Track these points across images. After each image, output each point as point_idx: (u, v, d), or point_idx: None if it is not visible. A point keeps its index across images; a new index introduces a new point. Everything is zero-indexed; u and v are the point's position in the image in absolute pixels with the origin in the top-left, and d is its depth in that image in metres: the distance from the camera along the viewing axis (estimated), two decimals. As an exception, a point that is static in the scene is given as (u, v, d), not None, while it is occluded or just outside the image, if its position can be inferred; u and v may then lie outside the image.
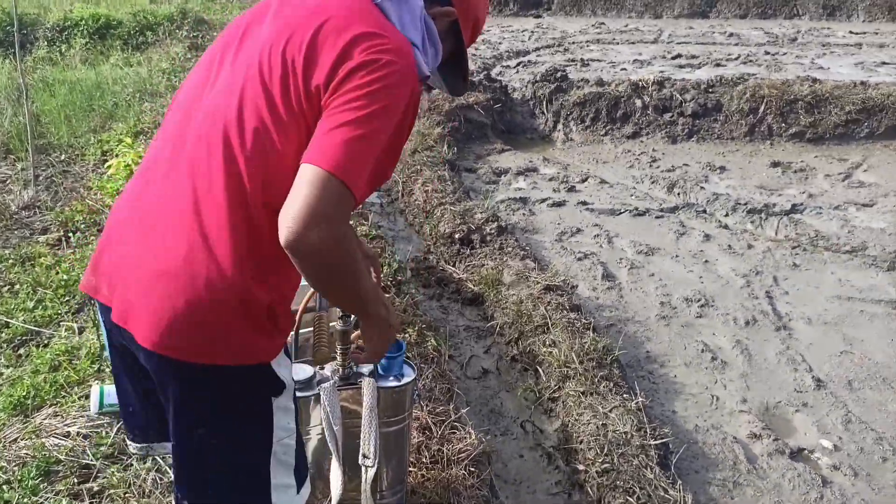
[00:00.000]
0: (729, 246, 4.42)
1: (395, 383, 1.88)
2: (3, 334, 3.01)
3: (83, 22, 8.11)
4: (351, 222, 1.31)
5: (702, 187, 5.28)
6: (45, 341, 2.92)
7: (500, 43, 9.33)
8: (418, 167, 5.13)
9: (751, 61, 8.31)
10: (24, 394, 2.42)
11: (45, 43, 7.66)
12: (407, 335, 2.96)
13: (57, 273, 3.43)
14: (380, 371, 1.91)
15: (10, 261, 3.62)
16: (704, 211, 4.93)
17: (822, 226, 4.70)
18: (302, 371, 1.80)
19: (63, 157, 5.07)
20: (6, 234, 3.99)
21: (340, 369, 1.84)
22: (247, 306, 1.22)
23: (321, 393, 1.69)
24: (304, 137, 1.18)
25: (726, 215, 4.85)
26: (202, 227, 1.19)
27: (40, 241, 3.88)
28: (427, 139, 5.59)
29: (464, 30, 1.43)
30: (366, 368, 1.88)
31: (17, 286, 3.40)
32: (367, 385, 1.77)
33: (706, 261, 4.24)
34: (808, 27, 10.60)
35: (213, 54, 1.34)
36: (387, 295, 3.30)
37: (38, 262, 3.57)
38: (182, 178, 1.22)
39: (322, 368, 1.87)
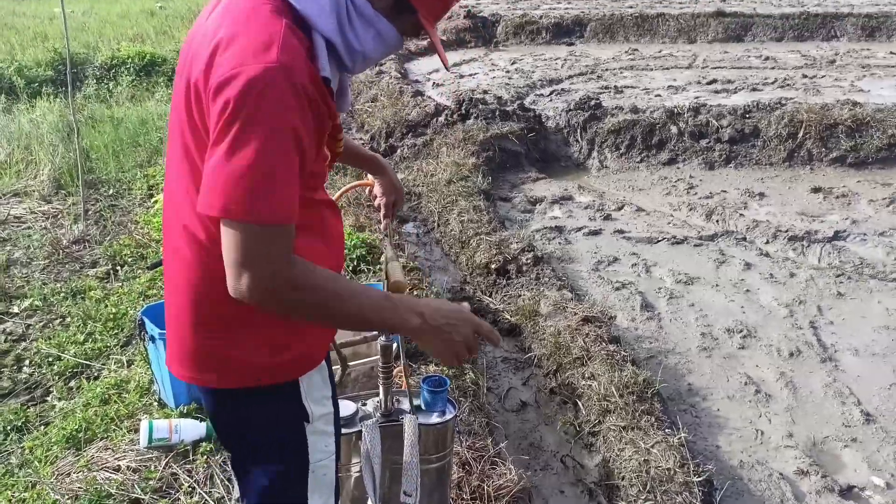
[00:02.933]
0: (770, 274, 4.35)
1: (437, 420, 1.89)
2: (56, 367, 3.12)
3: (130, 60, 8.43)
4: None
5: (741, 214, 5.21)
6: (96, 374, 3.01)
7: (532, 72, 9.40)
8: (454, 197, 5.18)
9: (788, 85, 8.22)
10: (76, 427, 2.49)
11: (94, 81, 7.97)
12: (445, 368, 2.98)
13: (106, 306, 3.55)
14: (422, 407, 1.92)
15: (62, 294, 3.75)
16: (744, 238, 4.86)
17: (867, 253, 4.60)
18: (344, 407, 1.83)
19: (111, 192, 5.25)
20: (58, 267, 4.14)
21: (382, 405, 1.86)
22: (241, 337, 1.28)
23: (363, 430, 1.71)
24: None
25: (767, 243, 4.77)
26: (187, 274, 1.27)
27: (90, 274, 4.02)
28: (462, 169, 5.65)
29: (419, 2, 1.23)
30: (406, 404, 1.90)
31: (69, 319, 3.52)
32: (408, 422, 1.79)
33: (747, 290, 4.17)
34: (846, 49, 10.45)
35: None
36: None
37: (88, 296, 3.69)
38: (169, 237, 1.32)
39: (364, 405, 1.90)
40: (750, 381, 3.32)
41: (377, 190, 1.84)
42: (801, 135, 6.25)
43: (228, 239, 1.07)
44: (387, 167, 1.83)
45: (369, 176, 1.86)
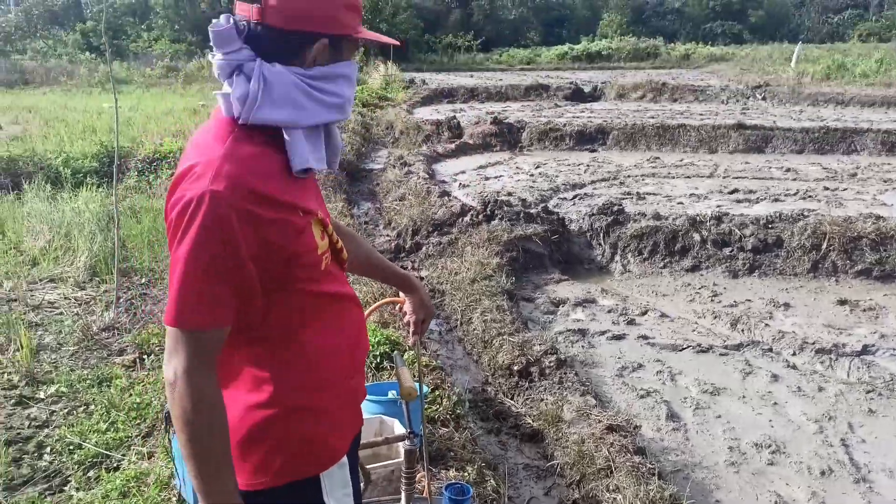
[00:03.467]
0: (798, 388, 4.26)
1: (458, 530, 1.86)
2: (76, 456, 3.12)
3: (171, 154, 8.83)
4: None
5: (766, 324, 5.17)
6: (116, 464, 3.00)
7: (556, 176, 9.66)
8: (477, 296, 5.23)
9: (810, 197, 8.33)
10: (93, 520, 2.46)
11: (136, 173, 8.33)
12: (466, 474, 2.92)
13: (130, 395, 3.58)
14: (444, 516, 1.90)
15: (88, 381, 3.79)
16: (770, 349, 4.80)
17: (898, 369, 4.51)
18: (367, 513, 1.81)
19: (143, 281, 5.38)
20: (86, 353, 4.20)
21: (405, 513, 1.84)
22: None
23: (386, 538, 1.69)
24: None
25: (794, 354, 4.71)
26: None
27: (117, 361, 4.07)
28: (486, 269, 5.72)
29: (341, 28, 1.34)
30: (430, 513, 1.88)
31: (93, 407, 3.54)
32: (431, 532, 1.76)
33: (775, 403, 4.09)
34: (867, 162, 10.62)
35: None
36: (444, 429, 3.29)
37: (114, 384, 3.72)
38: None
39: (386, 511, 1.88)
40: (780, 500, 3.20)
41: (407, 307, 1.90)
42: (825, 246, 6.28)
43: (167, 332, 1.25)
44: (418, 286, 1.90)
45: (401, 294, 1.93)
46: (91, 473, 3.03)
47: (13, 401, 3.64)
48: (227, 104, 1.28)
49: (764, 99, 17.56)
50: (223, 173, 1.21)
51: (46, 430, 3.40)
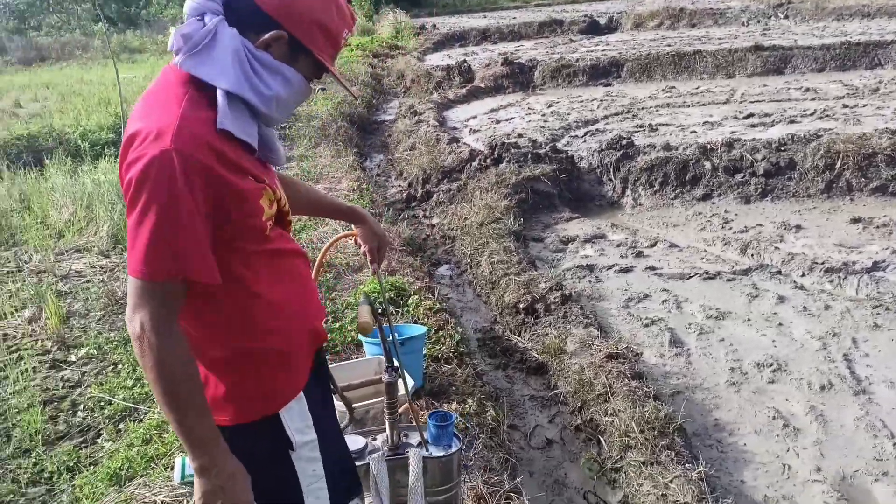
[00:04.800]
0: (804, 307, 4.30)
1: (441, 453, 1.99)
2: (107, 411, 3.34)
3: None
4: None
5: (776, 248, 5.17)
6: (141, 417, 3.21)
7: (568, 113, 9.56)
8: (485, 240, 5.31)
9: (827, 116, 8.13)
10: (119, 466, 2.68)
11: (152, 141, 8.49)
12: (467, 406, 3.07)
13: (153, 353, 3.78)
14: (430, 441, 2.03)
15: (115, 343, 4.01)
16: (779, 272, 4.82)
17: (908, 283, 4.50)
18: (354, 442, 1.95)
19: (163, 245, 5.57)
20: (112, 317, 4.42)
21: (389, 440, 1.97)
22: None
23: (370, 463, 1.83)
24: None
25: (802, 276, 4.72)
26: None
27: (141, 323, 4.28)
28: (494, 212, 5.79)
29: (308, 40, 1.38)
30: (414, 439, 2.01)
31: (120, 366, 3.76)
32: (413, 455, 1.90)
33: (780, 324, 4.14)
34: (891, 76, 10.26)
35: None
36: (447, 366, 3.43)
37: (138, 343, 3.93)
38: None
39: (374, 439, 2.02)
40: (779, 415, 3.29)
41: (360, 239, 1.96)
42: (839, 165, 6.18)
43: (129, 285, 1.29)
44: (366, 216, 1.95)
45: (353, 227, 1.98)
46: (121, 426, 3.25)
47: (47, 365, 3.88)
48: (175, 38, 1.33)
49: (786, 17, 16.93)
50: (184, 132, 1.25)
51: (79, 390, 3.63)
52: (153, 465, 2.68)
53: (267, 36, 1.34)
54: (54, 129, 8.97)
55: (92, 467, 2.88)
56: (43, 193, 6.68)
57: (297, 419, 1.48)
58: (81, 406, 3.47)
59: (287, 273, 1.49)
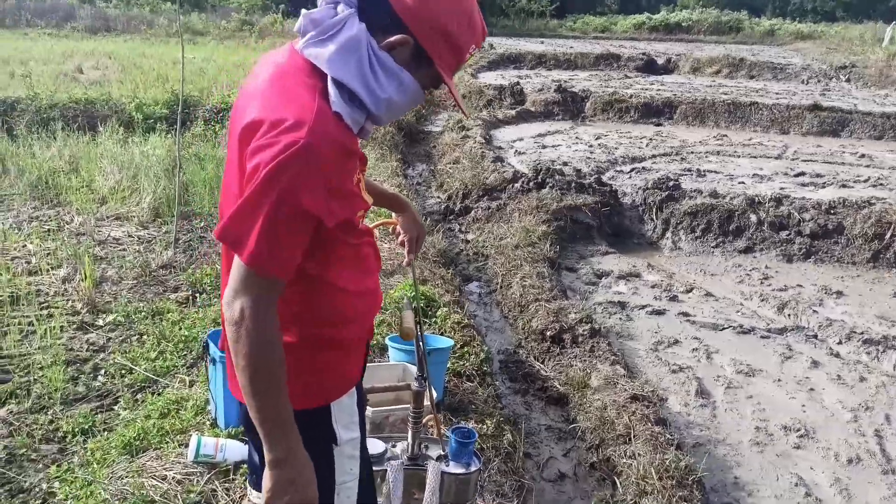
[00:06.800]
0: (838, 376, 4.18)
1: (461, 470, 1.96)
2: (127, 379, 3.36)
3: (236, 106, 9.09)
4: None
5: (815, 311, 5.05)
6: (161, 390, 3.22)
7: (616, 148, 9.50)
8: (519, 262, 5.27)
9: (881, 185, 7.96)
10: (134, 435, 2.68)
11: (203, 122, 8.63)
12: (485, 426, 3.02)
13: (180, 328, 3.80)
14: (449, 456, 1.99)
15: (143, 313, 4.04)
16: (815, 336, 4.70)
17: (950, 366, 4.34)
18: (374, 446, 1.92)
19: (202, 224, 5.63)
20: (143, 288, 4.47)
21: (409, 449, 1.94)
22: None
23: (388, 469, 1.80)
24: None
25: (839, 343, 4.59)
26: None
27: (171, 297, 4.31)
28: (531, 235, 5.75)
29: (432, 50, 1.33)
30: (434, 452, 1.98)
31: (145, 337, 3.79)
32: (432, 468, 1.86)
33: (811, 389, 4.02)
34: (951, 153, 10.03)
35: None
36: (469, 384, 3.39)
37: (166, 317, 3.96)
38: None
39: (394, 446, 1.99)
40: (801, 482, 3.19)
41: (400, 227, 1.93)
42: (888, 236, 6.03)
43: (235, 270, 1.27)
44: (408, 204, 1.93)
45: (393, 215, 1.96)
46: (139, 396, 3.26)
47: (75, 326, 3.92)
48: (304, 21, 1.32)
49: (848, 81, 16.68)
50: (321, 126, 1.22)
51: (102, 355, 3.66)
52: (168, 439, 2.68)
53: (393, 39, 1.31)
54: (111, 97, 9.16)
55: (106, 433, 2.89)
56: (92, 159, 6.81)
57: (345, 414, 1.47)
58: (103, 371, 3.49)
59: (364, 261, 1.49)
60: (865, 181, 8.13)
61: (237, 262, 1.26)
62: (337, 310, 1.43)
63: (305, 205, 1.22)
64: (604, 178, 7.33)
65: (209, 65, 13.07)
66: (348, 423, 1.50)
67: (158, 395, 3.15)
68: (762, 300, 5.25)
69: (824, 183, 7.95)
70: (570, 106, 12.01)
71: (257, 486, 1.66)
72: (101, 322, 3.99)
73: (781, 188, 7.52)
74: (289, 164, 1.19)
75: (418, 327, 1.85)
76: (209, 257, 4.94)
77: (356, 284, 1.46)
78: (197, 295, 4.35)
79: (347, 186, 1.32)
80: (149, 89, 9.96)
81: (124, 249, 5.07)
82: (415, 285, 2.13)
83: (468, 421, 3.02)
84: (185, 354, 3.56)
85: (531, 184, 6.72)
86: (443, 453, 1.97)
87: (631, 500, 2.91)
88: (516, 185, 6.78)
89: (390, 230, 1.93)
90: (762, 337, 4.66)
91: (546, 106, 11.91)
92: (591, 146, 9.62)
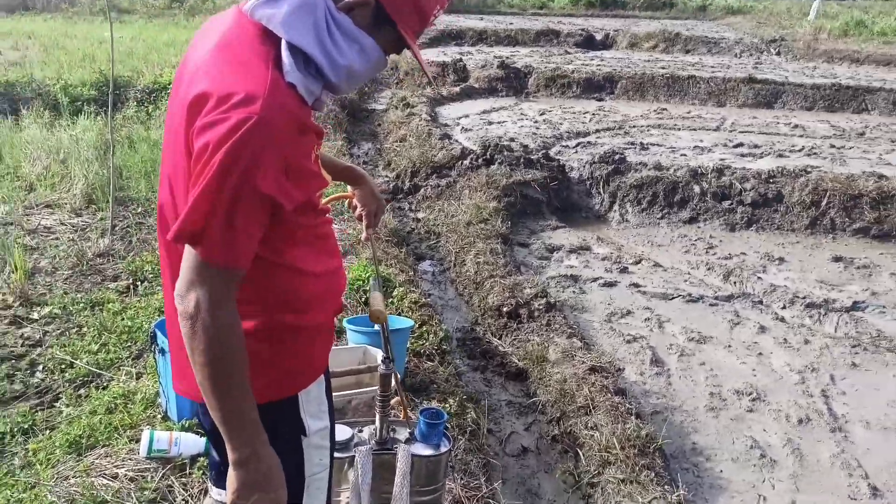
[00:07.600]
0: (785, 339, 4.30)
1: (430, 452, 1.91)
2: (67, 374, 3.18)
3: (170, 86, 8.71)
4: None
5: (759, 277, 5.19)
6: (105, 384, 3.06)
7: (560, 123, 9.53)
8: (472, 239, 5.23)
9: (815, 154, 8.23)
10: (80, 433, 2.53)
11: (135, 103, 8.24)
12: (447, 405, 2.98)
13: (122, 319, 3.62)
14: (418, 438, 1.94)
15: (81, 304, 3.83)
16: (761, 302, 4.83)
17: (886, 325, 4.54)
18: (341, 432, 1.85)
19: (139, 210, 5.38)
20: (80, 278, 4.24)
21: (378, 433, 1.88)
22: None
23: (356, 455, 1.73)
24: None
25: (783, 308, 4.74)
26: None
27: (111, 287, 4.11)
28: (482, 212, 5.71)
29: (394, 11, 1.25)
30: (403, 435, 1.92)
31: (85, 329, 3.59)
32: (402, 452, 1.81)
33: (760, 353, 4.13)
34: (876, 122, 10.45)
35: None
36: (429, 363, 3.35)
37: (107, 308, 3.77)
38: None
39: (361, 431, 1.92)
40: (756, 444, 3.27)
41: (357, 200, 1.84)
42: (824, 203, 6.24)
43: (187, 260, 1.18)
44: (365, 176, 1.82)
45: (349, 188, 1.86)
46: (82, 391, 3.09)
47: (7, 320, 3.69)
48: None
49: (778, 54, 17.17)
50: (275, 99, 1.12)
51: (39, 350, 3.46)
52: (117, 435, 2.54)
53: (353, 0, 1.22)
54: (34, 79, 8.64)
55: (49, 432, 2.73)
56: (16, 144, 6.42)
57: (313, 404, 1.39)
58: (41, 367, 3.30)
59: (325, 241, 1.39)
60: (800, 150, 8.39)
61: (190, 251, 1.16)
62: (299, 294, 1.35)
63: (264, 189, 1.13)
64: (551, 154, 7.35)
65: (138, 44, 12.49)
66: (317, 412, 1.42)
67: (103, 389, 2.99)
68: (708, 269, 5.36)
69: (762, 153, 8.17)
70: (513, 82, 11.98)
71: (219, 483, 1.57)
72: (35, 315, 3.76)
73: (721, 159, 7.68)
74: (243, 144, 1.09)
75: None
76: (149, 244, 4.73)
77: (318, 266, 1.37)
78: (138, 283, 4.16)
79: (306, 165, 1.22)
80: (74, 70, 9.44)
81: (57, 238, 4.80)
82: (374, 261, 2.05)
83: (430, 401, 2.98)
84: (130, 346, 3.39)
85: (480, 160, 6.67)
86: (410, 436, 1.92)
87: (594, 470, 2.93)
88: (465, 161, 6.72)
89: (346, 204, 1.82)
90: (710, 305, 4.77)
91: (490, 82, 11.85)
92: (536, 122, 9.63)
